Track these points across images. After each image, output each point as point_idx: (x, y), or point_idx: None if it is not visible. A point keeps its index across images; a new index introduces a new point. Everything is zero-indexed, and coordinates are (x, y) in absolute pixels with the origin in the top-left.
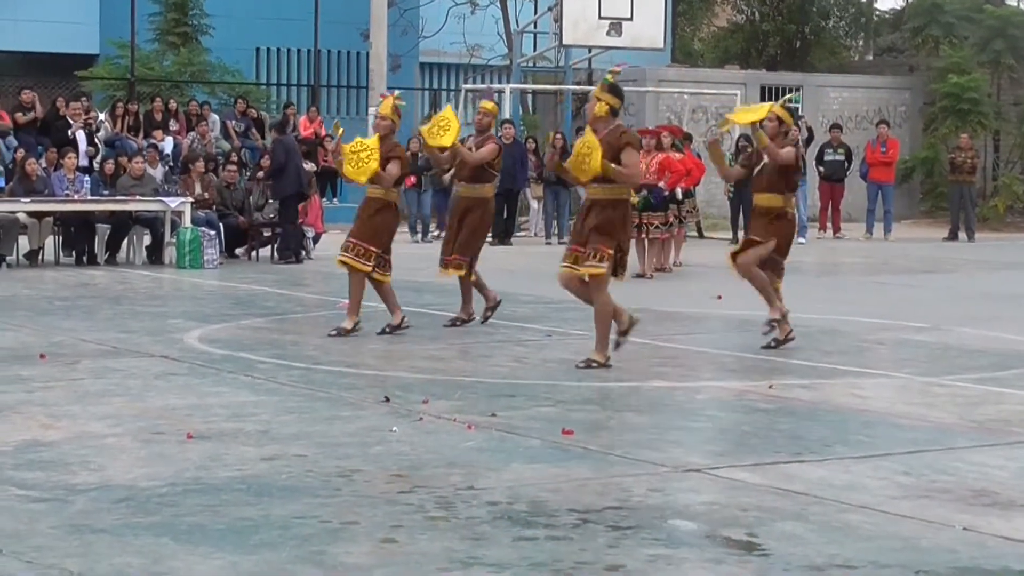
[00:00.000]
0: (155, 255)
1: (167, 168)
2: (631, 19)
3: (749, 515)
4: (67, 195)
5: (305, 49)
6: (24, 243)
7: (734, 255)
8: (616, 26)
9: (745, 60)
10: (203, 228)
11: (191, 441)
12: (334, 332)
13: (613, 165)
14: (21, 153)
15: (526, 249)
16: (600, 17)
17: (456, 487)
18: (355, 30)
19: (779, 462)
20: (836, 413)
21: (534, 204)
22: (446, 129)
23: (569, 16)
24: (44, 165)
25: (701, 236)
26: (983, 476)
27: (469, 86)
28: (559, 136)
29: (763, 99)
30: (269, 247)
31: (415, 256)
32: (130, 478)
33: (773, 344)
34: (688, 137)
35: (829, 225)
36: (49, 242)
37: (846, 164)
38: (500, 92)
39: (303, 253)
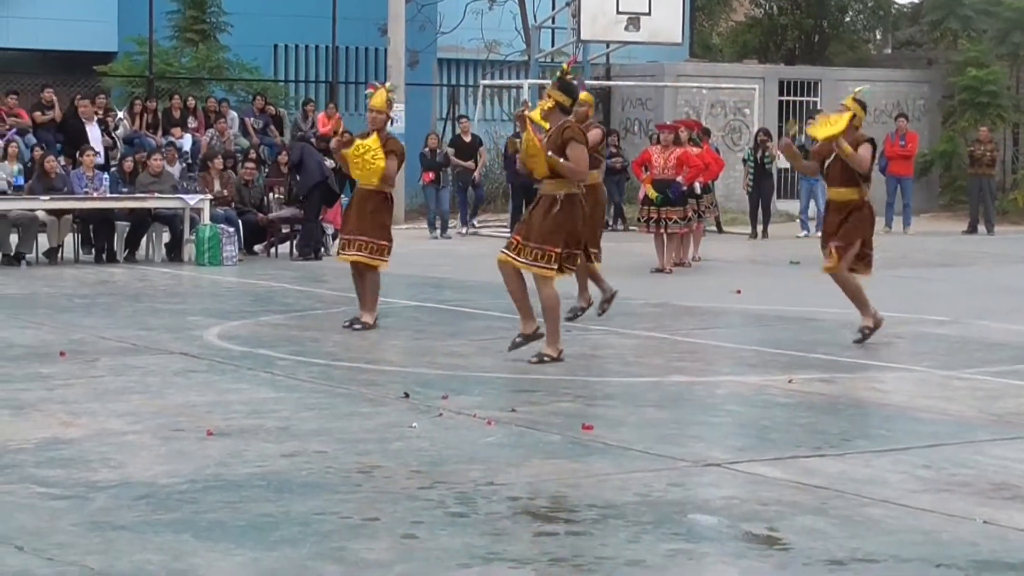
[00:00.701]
0: (174, 252)
1: (185, 165)
2: (649, 14)
3: (769, 509)
4: (86, 193)
5: (323, 45)
6: (43, 241)
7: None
8: (634, 21)
9: (763, 54)
10: (222, 225)
11: (211, 438)
12: (357, 326)
13: (560, 159)
14: (40, 151)
15: None
16: (618, 12)
17: (476, 483)
18: (373, 26)
19: (799, 456)
20: (856, 407)
21: None
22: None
23: (587, 11)
24: (63, 163)
25: (720, 231)
26: (1003, 469)
27: (487, 82)
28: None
29: (781, 94)
30: (288, 244)
31: (434, 252)
32: (150, 475)
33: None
34: (706, 132)
35: None
36: (68, 240)
37: None
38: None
39: (322, 250)
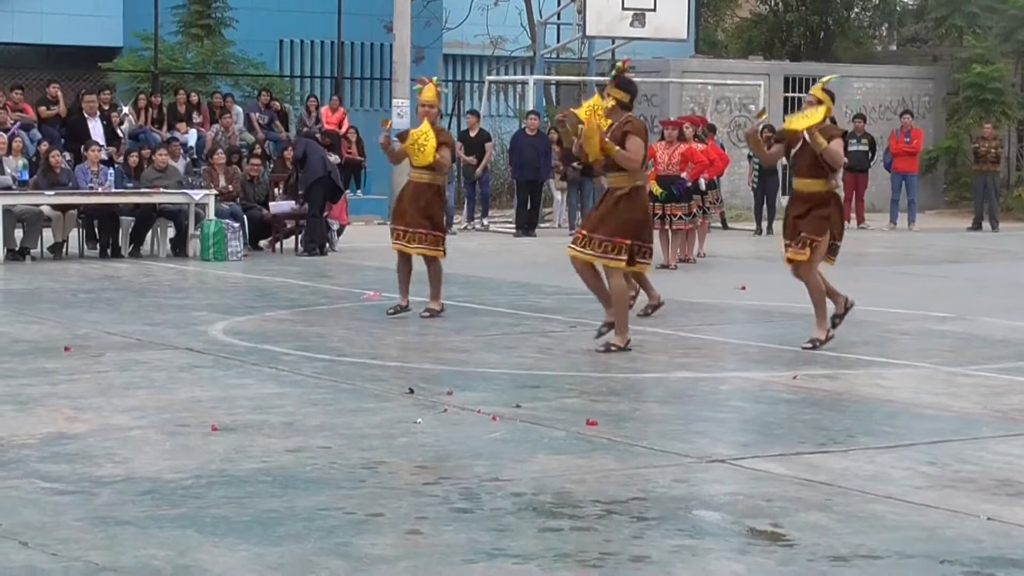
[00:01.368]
0: (179, 247)
1: (190, 161)
2: (654, 10)
3: (774, 505)
4: (91, 188)
5: (329, 41)
6: (48, 236)
7: (793, 259)
8: (640, 17)
9: (769, 51)
10: (227, 220)
11: (216, 433)
12: (425, 314)
13: (616, 147)
14: (45, 146)
15: (550, 240)
16: (623, 8)
17: (481, 478)
18: (378, 22)
19: (803, 452)
20: (860, 403)
21: (558, 195)
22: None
23: (592, 7)
24: (68, 158)
25: (725, 227)
26: (1007, 466)
27: (492, 78)
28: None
29: (786, 90)
30: (293, 239)
31: None
32: (155, 470)
33: (811, 345)
34: (711, 128)
35: (853, 215)
36: (73, 235)
37: (870, 154)
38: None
39: (327, 245)
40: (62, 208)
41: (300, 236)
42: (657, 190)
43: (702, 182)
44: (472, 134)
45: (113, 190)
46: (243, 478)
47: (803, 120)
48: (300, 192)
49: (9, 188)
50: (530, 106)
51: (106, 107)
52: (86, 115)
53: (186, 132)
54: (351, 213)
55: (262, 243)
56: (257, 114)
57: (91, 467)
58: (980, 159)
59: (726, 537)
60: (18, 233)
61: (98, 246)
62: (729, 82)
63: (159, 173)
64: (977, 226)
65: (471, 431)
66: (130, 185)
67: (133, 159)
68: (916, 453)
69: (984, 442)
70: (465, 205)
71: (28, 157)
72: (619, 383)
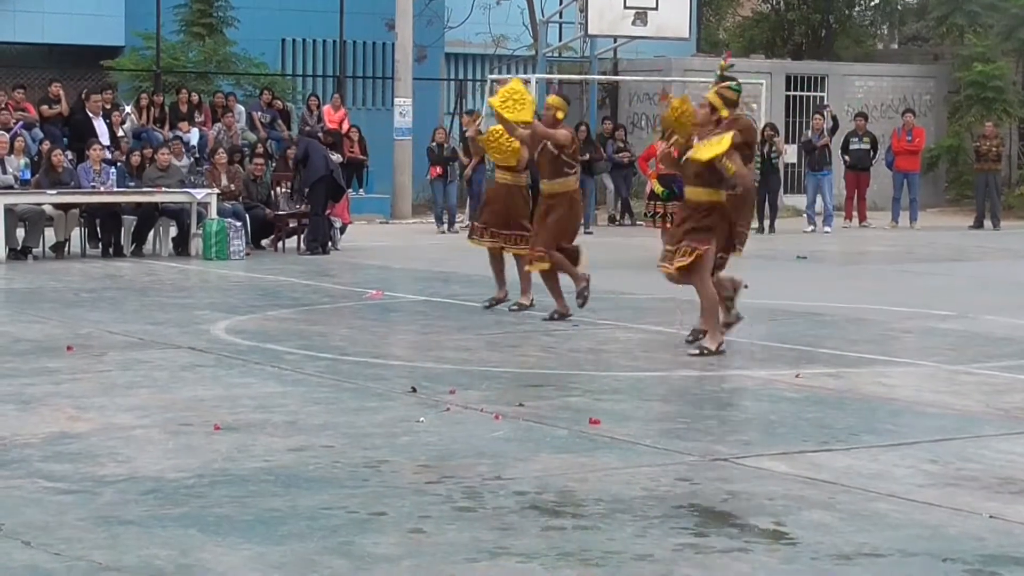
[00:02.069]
0: (181, 247)
1: (192, 160)
2: (656, 8)
3: (776, 504)
4: (93, 187)
5: (330, 40)
6: (50, 235)
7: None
8: (641, 16)
9: (770, 49)
10: (229, 219)
11: (218, 432)
12: (514, 307)
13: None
14: (47, 145)
15: None
16: (625, 7)
17: (484, 477)
18: (380, 21)
19: (806, 451)
20: (863, 402)
21: None
22: (522, 103)
23: (594, 6)
24: (70, 157)
25: None
26: (1010, 464)
27: (495, 76)
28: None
29: (788, 89)
30: (295, 238)
31: (442, 246)
32: (158, 470)
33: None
34: None
35: (855, 214)
36: (75, 234)
37: (871, 153)
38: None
39: (330, 244)
40: (64, 207)
41: (303, 235)
42: (658, 189)
43: None
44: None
45: (115, 189)
46: (245, 477)
47: (708, 150)
48: (304, 193)
49: (11, 187)
50: None
51: (107, 106)
52: (90, 114)
53: (188, 131)
54: (353, 212)
55: (264, 242)
56: (259, 113)
57: (94, 466)
58: (981, 157)
59: (729, 535)
60: (20, 232)
61: (100, 245)
62: None
63: (161, 172)
64: (979, 224)
65: (474, 430)
66: (132, 184)
67: (135, 158)
68: (919, 451)
69: (986, 440)
70: (467, 204)
71: (30, 156)
72: (621, 382)
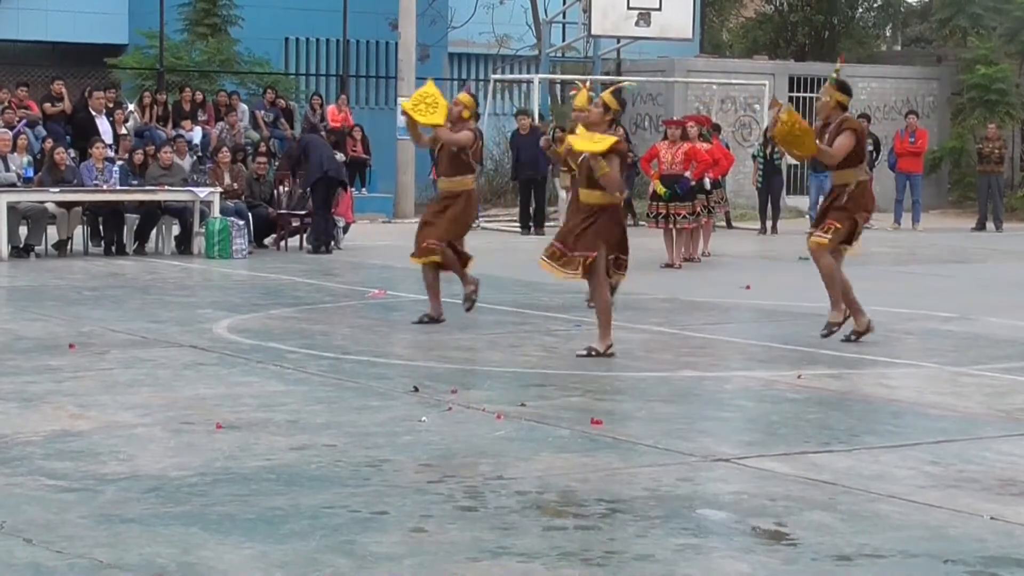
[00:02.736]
0: (184, 245)
1: (195, 158)
2: (659, 9)
3: (778, 504)
4: (96, 185)
5: (334, 39)
6: (53, 233)
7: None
8: (645, 16)
9: (773, 51)
10: (232, 218)
11: (220, 431)
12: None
13: (822, 146)
14: (50, 143)
15: None
16: (629, 7)
17: (485, 477)
18: (384, 20)
19: (808, 452)
20: (864, 403)
21: (562, 193)
22: (434, 107)
23: (598, 6)
24: (73, 155)
25: (730, 226)
26: (1011, 465)
27: (498, 76)
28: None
29: (791, 89)
30: (298, 237)
31: None
32: (160, 468)
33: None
34: (716, 127)
35: None
36: (78, 232)
37: (874, 154)
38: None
39: (332, 243)
40: (67, 205)
41: (306, 234)
42: (661, 189)
43: (706, 181)
44: None
45: (118, 187)
46: (247, 476)
47: (590, 144)
48: (304, 192)
49: (14, 185)
50: (535, 105)
51: (111, 105)
52: (93, 112)
53: (191, 130)
54: (356, 211)
55: (267, 241)
56: (262, 112)
57: (95, 464)
58: (984, 159)
59: (730, 536)
60: (23, 230)
61: (102, 243)
62: (734, 82)
63: (164, 170)
64: (981, 226)
65: (476, 429)
66: (135, 183)
67: (138, 156)
68: (920, 452)
69: (988, 442)
70: None
71: (33, 154)
72: (623, 382)
